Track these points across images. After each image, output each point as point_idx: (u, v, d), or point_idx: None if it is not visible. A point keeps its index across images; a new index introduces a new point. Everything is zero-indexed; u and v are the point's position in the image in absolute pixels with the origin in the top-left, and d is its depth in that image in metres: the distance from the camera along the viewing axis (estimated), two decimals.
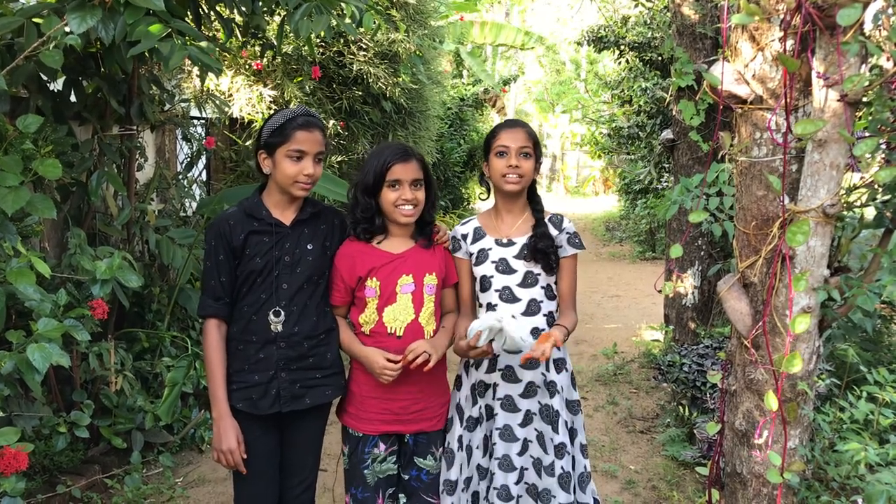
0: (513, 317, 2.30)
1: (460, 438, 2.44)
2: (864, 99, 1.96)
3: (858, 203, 2.19)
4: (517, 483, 2.35)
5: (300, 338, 2.30)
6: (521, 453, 2.36)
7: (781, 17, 1.96)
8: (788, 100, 1.92)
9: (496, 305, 2.40)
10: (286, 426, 2.39)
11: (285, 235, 2.30)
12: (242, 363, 2.30)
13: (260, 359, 2.28)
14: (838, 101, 1.86)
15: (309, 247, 2.32)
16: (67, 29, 2.43)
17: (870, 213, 2.31)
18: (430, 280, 2.36)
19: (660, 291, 2.46)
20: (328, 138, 5.85)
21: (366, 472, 2.35)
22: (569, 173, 26.60)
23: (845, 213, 2.21)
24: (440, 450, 2.43)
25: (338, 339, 2.40)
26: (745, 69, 2.12)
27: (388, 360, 2.25)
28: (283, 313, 2.27)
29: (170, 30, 2.53)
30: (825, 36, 1.86)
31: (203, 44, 2.67)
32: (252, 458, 2.33)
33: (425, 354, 2.24)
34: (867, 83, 1.84)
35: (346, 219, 2.44)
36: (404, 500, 2.43)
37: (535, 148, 2.38)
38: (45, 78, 3.11)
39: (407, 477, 2.41)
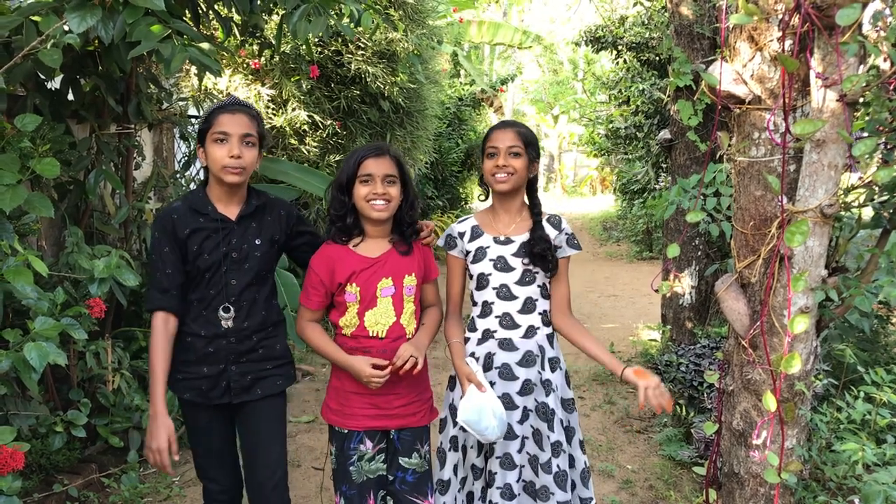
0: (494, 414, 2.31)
1: (454, 439, 2.45)
2: (862, 99, 1.96)
3: (856, 203, 2.20)
4: (517, 481, 2.35)
5: (249, 332, 2.32)
6: (519, 450, 2.36)
7: (780, 17, 1.96)
8: (787, 100, 1.93)
9: (493, 303, 2.41)
10: (240, 415, 2.41)
11: (231, 231, 2.30)
12: (189, 355, 2.31)
13: (209, 352, 2.29)
14: (837, 101, 1.86)
15: (256, 242, 2.33)
16: (66, 28, 2.42)
17: (867, 213, 2.32)
18: (410, 281, 2.35)
19: (657, 291, 2.46)
20: (326, 138, 5.85)
21: (351, 468, 2.33)
22: (566, 173, 26.61)
23: (843, 213, 2.21)
24: (425, 447, 2.43)
25: (285, 331, 2.42)
26: (743, 69, 2.13)
27: (375, 367, 2.24)
28: (232, 309, 2.28)
29: (170, 30, 2.52)
30: (823, 36, 1.87)
31: (204, 45, 2.66)
32: (209, 440, 2.40)
33: (412, 360, 2.25)
34: (865, 83, 1.84)
35: (293, 208, 2.46)
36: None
37: (527, 147, 2.37)
38: (42, 76, 3.10)
39: (392, 478, 2.38)
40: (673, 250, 2.30)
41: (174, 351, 2.32)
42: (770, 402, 1.94)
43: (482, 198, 2.58)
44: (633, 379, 2.27)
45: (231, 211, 2.31)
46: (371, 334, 2.30)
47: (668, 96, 5.56)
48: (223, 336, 2.29)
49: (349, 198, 2.30)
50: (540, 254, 2.37)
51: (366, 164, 2.27)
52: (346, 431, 2.35)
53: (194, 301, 2.29)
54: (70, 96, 3.39)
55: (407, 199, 2.35)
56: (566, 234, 2.44)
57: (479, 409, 2.25)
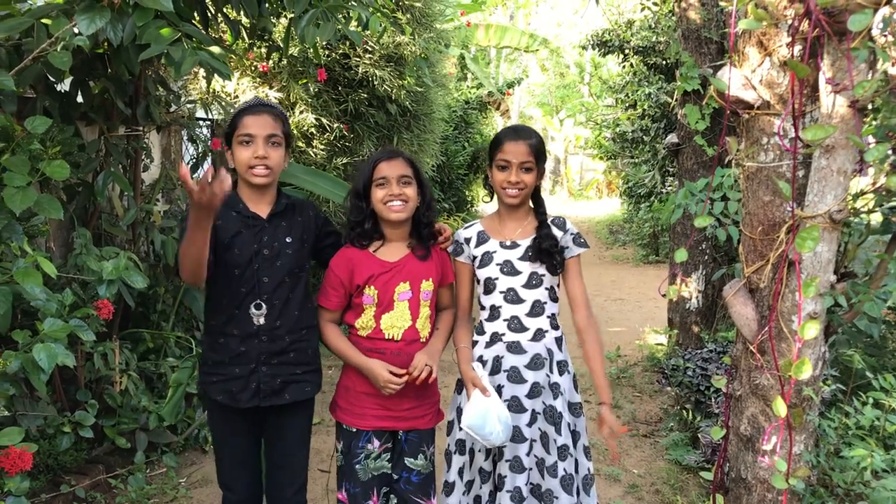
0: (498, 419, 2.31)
1: (460, 442, 2.45)
2: (871, 105, 1.96)
3: (865, 209, 2.19)
4: (525, 484, 2.35)
5: (282, 332, 2.31)
6: (527, 453, 2.37)
7: (790, 22, 1.96)
8: (798, 106, 1.92)
9: (500, 307, 2.41)
10: (268, 423, 2.41)
11: (262, 228, 2.31)
12: (223, 356, 2.31)
13: (241, 352, 2.29)
14: (848, 106, 1.86)
15: (287, 240, 2.34)
16: (76, 30, 2.44)
17: (876, 218, 2.31)
18: (427, 286, 2.36)
19: (664, 295, 2.46)
20: (333, 141, 5.86)
21: (357, 467, 2.35)
22: (572, 176, 26.59)
23: (852, 218, 2.21)
24: (431, 449, 2.44)
25: (317, 335, 2.41)
26: (752, 74, 2.13)
27: (392, 374, 2.26)
28: (264, 306, 2.28)
29: (179, 33, 2.53)
30: (833, 41, 1.86)
31: (214, 49, 2.67)
32: (232, 449, 2.39)
33: (427, 368, 2.27)
34: (876, 89, 1.84)
35: (319, 210, 2.47)
36: (395, 502, 2.43)
37: (538, 160, 2.37)
38: (52, 78, 3.12)
39: (397, 477, 2.40)
40: (680, 255, 2.29)
41: (207, 354, 2.34)
42: (780, 407, 1.93)
43: (487, 199, 2.59)
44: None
45: (262, 210, 2.32)
46: (387, 337, 2.33)
47: (676, 100, 5.56)
48: (255, 335, 2.28)
49: (367, 203, 2.34)
50: (547, 250, 2.37)
51: (380, 167, 2.31)
52: (354, 430, 2.37)
53: (224, 301, 2.29)
54: (79, 98, 3.41)
55: (424, 200, 2.38)
56: (571, 233, 2.43)
57: (484, 414, 2.25)
